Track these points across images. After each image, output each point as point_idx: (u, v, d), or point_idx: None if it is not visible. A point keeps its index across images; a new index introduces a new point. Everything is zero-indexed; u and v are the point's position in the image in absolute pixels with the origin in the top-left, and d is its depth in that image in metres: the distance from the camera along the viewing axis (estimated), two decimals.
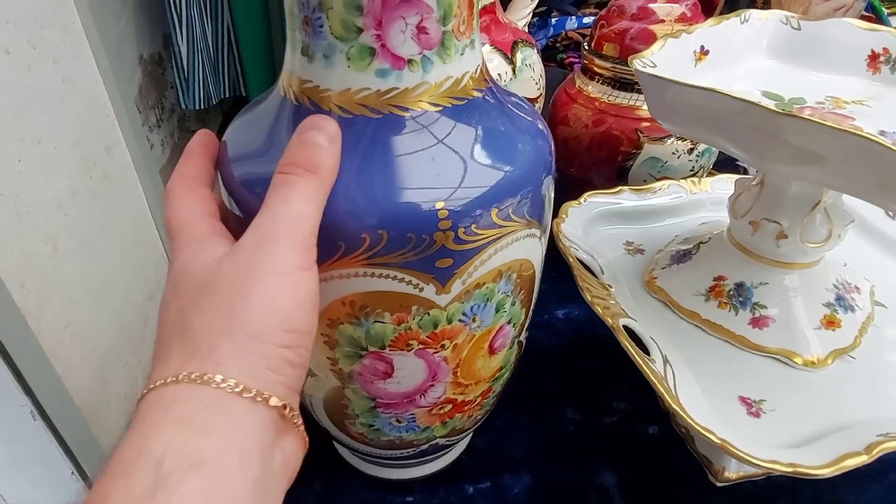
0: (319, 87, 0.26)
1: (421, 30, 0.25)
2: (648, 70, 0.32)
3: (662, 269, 0.41)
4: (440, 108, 0.27)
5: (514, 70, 0.50)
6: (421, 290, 0.27)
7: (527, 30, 0.58)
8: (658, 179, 0.52)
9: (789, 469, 0.28)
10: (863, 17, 1.12)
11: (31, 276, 0.96)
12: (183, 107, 1.65)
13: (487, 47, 0.50)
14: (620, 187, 0.48)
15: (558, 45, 1.08)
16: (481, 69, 0.29)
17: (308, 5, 0.25)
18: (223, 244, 0.24)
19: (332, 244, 0.25)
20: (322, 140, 0.24)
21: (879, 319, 0.39)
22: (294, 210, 0.23)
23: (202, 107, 1.83)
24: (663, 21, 0.51)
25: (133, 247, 1.34)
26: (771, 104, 0.35)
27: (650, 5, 0.51)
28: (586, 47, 0.55)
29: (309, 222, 0.23)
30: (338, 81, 0.26)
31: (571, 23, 1.09)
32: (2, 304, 0.84)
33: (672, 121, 0.34)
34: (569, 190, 0.55)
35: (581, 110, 0.54)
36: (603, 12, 0.53)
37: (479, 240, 0.26)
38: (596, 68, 0.53)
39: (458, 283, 0.27)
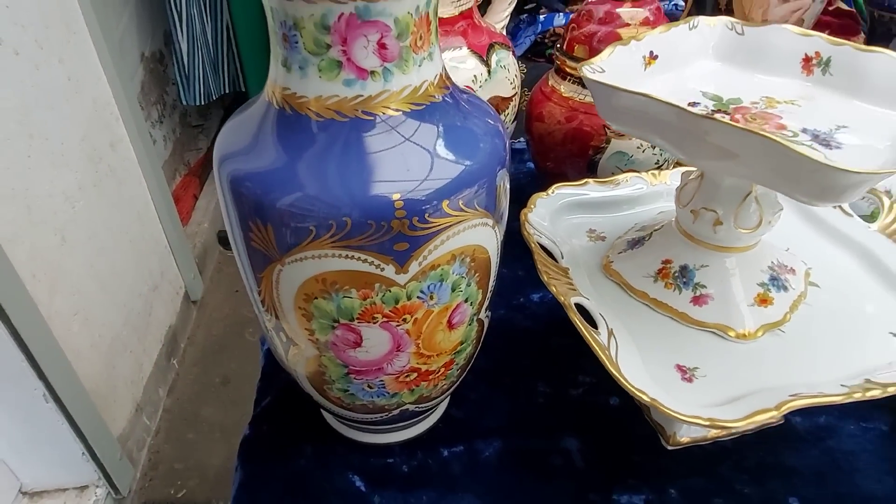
0: (297, 94, 0.31)
1: (381, 46, 0.30)
2: (594, 76, 0.36)
3: (619, 253, 0.46)
4: (404, 112, 0.31)
5: (489, 71, 0.54)
6: (382, 269, 0.31)
7: (504, 32, 0.62)
8: (625, 171, 0.56)
9: (707, 422, 0.33)
10: (841, 12, 1.15)
11: (41, 267, 1.02)
12: (184, 103, 1.71)
13: (465, 50, 0.54)
14: (586, 179, 0.52)
15: (546, 40, 1.12)
16: (441, 76, 0.34)
17: (286, 24, 0.30)
18: None
19: (305, 228, 0.30)
20: None
21: (811, 298, 0.43)
22: None
23: (202, 102, 1.91)
24: (628, 24, 0.55)
25: (138, 239, 1.40)
26: (709, 105, 0.39)
27: (617, 10, 0.55)
28: (559, 49, 0.59)
29: None
30: (312, 89, 0.31)
31: (559, 19, 1.13)
32: (15, 293, 0.90)
33: (617, 122, 0.38)
34: (545, 181, 0.59)
35: (555, 108, 0.59)
36: (574, 16, 0.58)
37: (432, 227, 0.31)
38: (567, 69, 0.58)
39: (415, 265, 0.32)
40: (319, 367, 0.37)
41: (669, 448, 0.46)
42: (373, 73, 0.30)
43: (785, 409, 0.33)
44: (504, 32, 0.62)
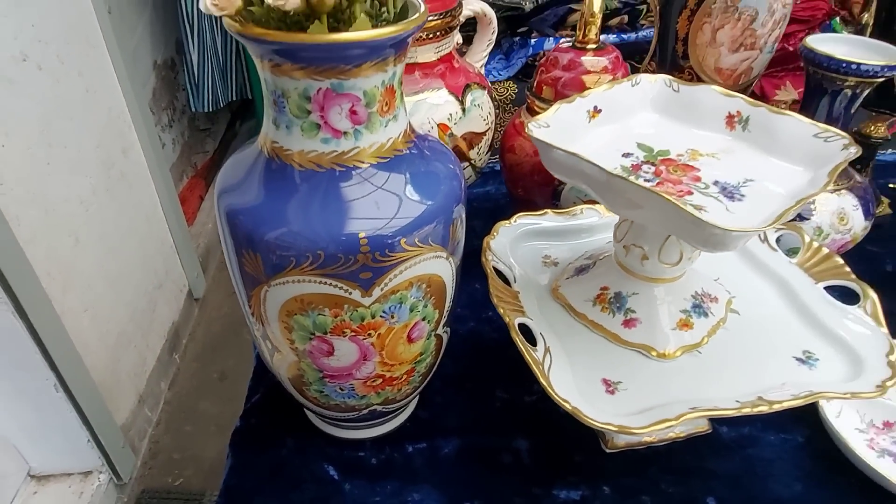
0: (283, 147, 0.38)
1: (352, 112, 0.36)
2: (536, 133, 0.43)
3: (566, 279, 0.52)
4: (371, 164, 0.38)
5: (463, 110, 0.61)
6: (350, 293, 0.38)
7: (484, 70, 0.69)
8: (585, 202, 0.62)
9: (617, 428, 0.39)
10: None
11: (56, 266, 1.10)
12: (193, 109, 1.79)
13: (443, 91, 0.60)
14: (545, 210, 0.59)
15: (537, 63, 1.19)
16: (406, 131, 0.41)
17: (276, 93, 0.36)
18: None
19: (288, 258, 0.37)
20: None
21: (730, 323, 0.49)
22: None
23: (211, 109, 2.00)
24: (590, 72, 0.61)
25: (145, 239, 1.48)
26: (640, 155, 0.46)
27: (580, 58, 0.62)
28: (529, 89, 0.65)
29: None
30: (296, 144, 0.37)
31: (549, 43, 1.20)
32: (32, 290, 0.98)
33: (555, 172, 0.44)
34: (516, 207, 0.66)
35: (524, 142, 0.65)
36: (542, 60, 0.64)
37: (392, 260, 0.38)
38: (536, 108, 0.64)
39: (378, 290, 0.39)
40: (299, 370, 0.44)
41: (608, 451, 0.53)
42: (345, 133, 0.37)
43: (682, 420, 0.39)
44: (483, 70, 0.69)
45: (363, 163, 0.38)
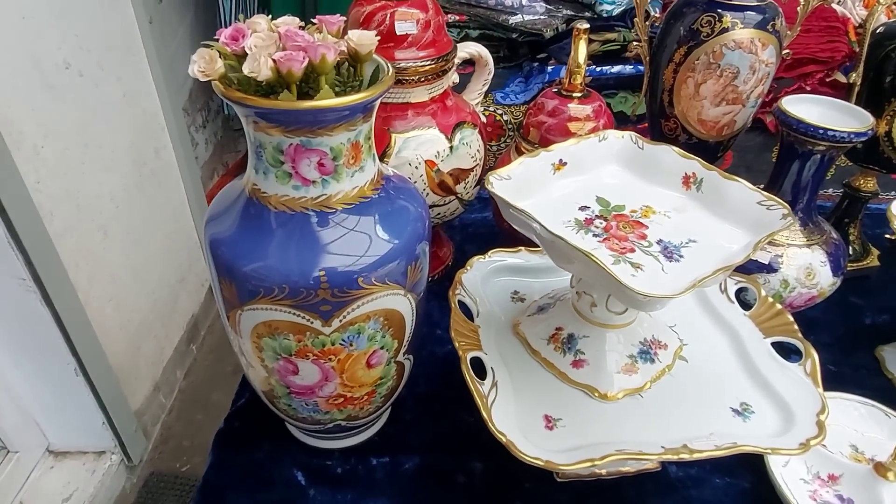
0: (261, 189, 0.43)
1: (320, 164, 0.41)
2: (495, 187, 0.47)
3: (528, 316, 0.57)
4: (337, 209, 0.43)
5: (451, 148, 0.65)
6: (311, 322, 0.43)
7: (479, 108, 0.74)
8: None
9: (543, 463, 0.43)
10: (838, 84, 1.21)
11: (84, 258, 1.19)
12: (226, 112, 1.87)
13: (433, 129, 0.65)
14: (520, 247, 0.63)
15: (527, 106, 1.23)
16: (373, 179, 0.45)
17: (255, 144, 0.42)
18: None
19: (258, 289, 0.42)
20: None
21: (677, 370, 0.53)
22: None
23: None
24: (574, 118, 0.65)
25: (171, 234, 1.56)
26: (596, 209, 0.50)
27: (566, 105, 0.66)
28: (518, 130, 0.70)
29: None
30: (271, 189, 0.43)
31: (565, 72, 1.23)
32: (59, 280, 1.07)
33: (512, 222, 0.48)
34: (503, 239, 0.70)
35: None
36: (531, 105, 0.68)
37: (349, 296, 0.43)
38: (523, 148, 0.68)
39: (337, 321, 0.43)
40: (269, 385, 0.49)
41: (559, 480, 0.56)
42: (314, 182, 0.42)
43: (606, 461, 0.43)
44: (478, 107, 0.73)
45: (330, 208, 0.43)
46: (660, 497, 0.56)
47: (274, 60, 0.37)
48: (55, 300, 1.02)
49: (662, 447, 0.45)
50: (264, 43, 0.38)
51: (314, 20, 0.43)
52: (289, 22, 0.41)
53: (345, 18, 0.44)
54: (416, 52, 0.62)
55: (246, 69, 0.37)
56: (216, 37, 0.40)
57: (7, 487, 1.18)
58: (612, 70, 1.24)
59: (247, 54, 0.38)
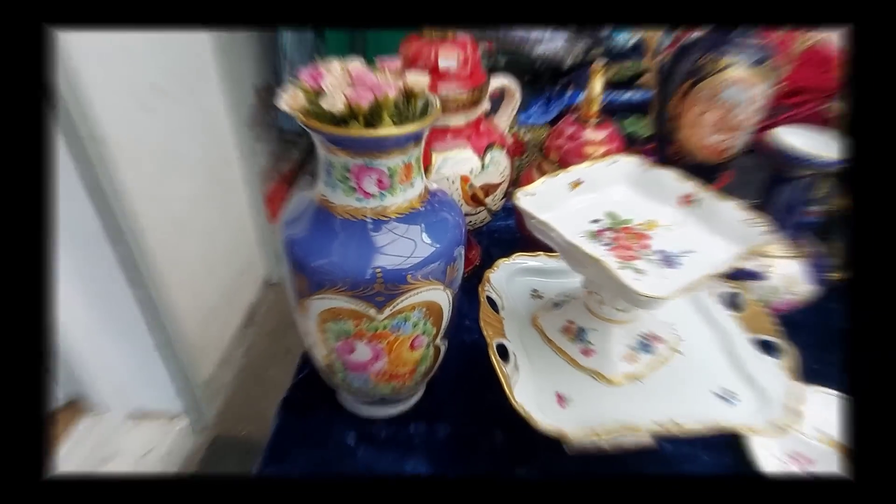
0: (329, 199, 0.48)
1: (379, 181, 0.46)
2: (521, 202, 0.51)
3: (545, 311, 0.60)
4: (392, 218, 0.47)
5: (482, 166, 0.69)
6: (367, 310, 0.48)
7: (507, 129, 0.77)
8: None
9: (555, 431, 0.47)
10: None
11: (164, 251, 1.27)
12: (283, 127, 1.95)
13: (468, 150, 0.69)
14: (539, 252, 0.67)
15: (550, 129, 1.26)
16: (421, 193, 0.50)
17: (326, 162, 0.46)
18: None
19: (323, 282, 0.47)
20: None
21: (674, 362, 0.56)
22: None
23: (297, 128, 2.15)
24: (589, 143, 0.69)
25: (234, 234, 1.64)
26: (606, 221, 0.53)
27: (583, 131, 0.69)
28: (540, 151, 0.73)
29: None
30: (338, 200, 0.47)
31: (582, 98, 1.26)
32: (145, 270, 1.13)
33: (535, 232, 0.52)
34: (524, 244, 0.74)
35: None
36: (552, 129, 0.72)
37: (400, 290, 0.47)
38: (545, 167, 0.72)
39: (388, 310, 0.48)
40: (330, 361, 0.54)
41: (568, 452, 0.60)
42: (373, 195, 0.46)
43: (604, 434, 0.46)
44: (507, 130, 0.77)
45: (385, 217, 0.47)
46: (656, 469, 0.59)
47: (346, 97, 0.41)
48: (141, 286, 1.09)
49: (654, 421, 0.48)
50: (338, 82, 0.43)
51: (375, 59, 0.48)
52: (357, 64, 0.45)
53: (400, 61, 0.48)
54: (455, 84, 0.66)
55: (325, 105, 0.41)
56: (299, 76, 0.44)
57: (95, 444, 1.26)
58: (625, 96, 1.27)
59: (323, 90, 0.43)
